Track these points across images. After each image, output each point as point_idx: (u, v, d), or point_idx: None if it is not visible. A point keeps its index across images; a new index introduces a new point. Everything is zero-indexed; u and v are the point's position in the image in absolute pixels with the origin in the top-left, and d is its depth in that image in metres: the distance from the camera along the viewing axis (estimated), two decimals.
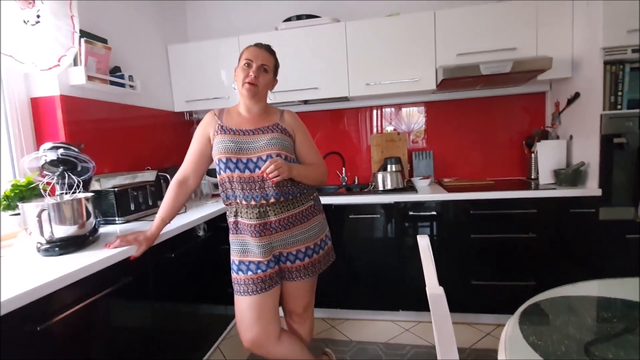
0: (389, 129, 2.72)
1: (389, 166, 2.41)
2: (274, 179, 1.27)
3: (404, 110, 2.69)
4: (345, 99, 2.51)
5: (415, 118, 2.69)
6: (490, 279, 2.09)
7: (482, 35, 2.17)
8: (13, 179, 1.55)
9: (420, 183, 2.37)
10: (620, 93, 1.88)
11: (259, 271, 1.36)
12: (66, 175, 1.40)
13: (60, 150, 1.39)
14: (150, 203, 1.90)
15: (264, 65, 1.37)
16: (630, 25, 1.79)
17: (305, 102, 2.62)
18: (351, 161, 2.78)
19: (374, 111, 2.73)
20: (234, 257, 1.42)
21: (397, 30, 2.25)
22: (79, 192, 1.42)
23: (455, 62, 2.18)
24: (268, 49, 1.42)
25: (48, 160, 1.39)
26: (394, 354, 1.94)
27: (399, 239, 2.16)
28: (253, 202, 1.35)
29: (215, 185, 2.56)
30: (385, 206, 2.15)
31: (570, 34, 2.09)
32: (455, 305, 2.16)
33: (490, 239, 2.06)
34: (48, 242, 1.24)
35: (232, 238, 1.43)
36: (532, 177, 2.38)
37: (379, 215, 2.17)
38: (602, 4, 1.82)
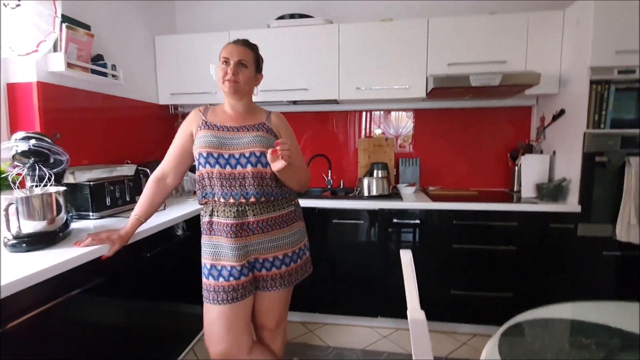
0: (377, 132, 2.71)
1: (375, 172, 2.40)
2: (284, 155, 1.20)
3: (392, 114, 2.69)
4: (334, 101, 2.49)
5: (403, 122, 2.69)
6: (470, 289, 2.11)
7: (473, 46, 2.17)
8: None
9: (406, 190, 2.37)
10: (604, 112, 1.92)
11: (231, 279, 1.29)
12: (37, 167, 1.33)
13: (32, 141, 1.32)
14: (128, 199, 1.84)
15: (242, 61, 1.32)
16: (618, 46, 1.83)
17: (294, 102, 2.58)
18: (338, 164, 2.76)
19: (363, 114, 2.72)
20: (205, 260, 1.35)
21: (390, 35, 2.24)
22: (51, 185, 1.35)
23: (446, 71, 2.18)
24: (246, 44, 1.37)
25: (19, 150, 1.31)
26: None
27: (382, 246, 2.16)
28: (232, 200, 1.30)
29: None
30: (370, 212, 2.14)
31: (559, 50, 2.11)
32: (434, 314, 2.18)
33: (472, 249, 2.07)
34: (15, 237, 1.18)
35: (205, 240, 1.36)
36: (515, 189, 2.41)
37: (362, 221, 2.16)
38: (593, 23, 1.84)
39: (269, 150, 1.23)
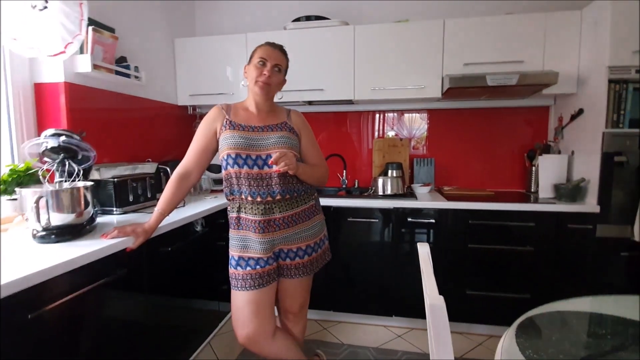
0: (391, 134, 2.72)
1: (389, 171, 2.41)
2: (280, 169, 1.27)
3: (406, 116, 2.69)
4: (349, 101, 2.51)
5: (417, 124, 2.69)
6: (485, 289, 2.09)
7: (490, 46, 2.17)
8: (11, 164, 1.54)
9: (420, 190, 2.37)
10: (622, 112, 1.89)
11: (257, 267, 1.36)
12: (66, 162, 1.39)
13: (62, 138, 1.37)
14: (149, 195, 1.89)
15: (278, 65, 1.38)
16: (636, 46, 1.81)
17: (310, 102, 2.61)
18: (352, 164, 2.78)
19: (377, 115, 2.73)
20: (234, 253, 1.41)
21: (406, 36, 2.26)
22: (79, 180, 1.40)
23: (462, 71, 2.18)
24: (281, 50, 1.43)
25: (49, 146, 1.37)
26: (385, 359, 1.93)
27: (396, 245, 2.16)
28: (259, 199, 1.35)
29: (215, 181, 2.55)
30: (384, 211, 2.15)
31: (577, 50, 2.09)
32: (449, 313, 2.16)
33: (488, 249, 2.06)
34: (44, 229, 1.23)
35: (233, 233, 1.42)
36: (532, 190, 2.38)
37: (377, 220, 2.17)
38: (610, 23, 1.83)
39: (270, 161, 1.30)
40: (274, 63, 1.37)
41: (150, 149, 2.34)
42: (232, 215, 1.41)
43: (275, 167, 1.29)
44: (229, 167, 1.36)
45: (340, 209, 2.19)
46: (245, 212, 1.37)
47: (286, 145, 1.36)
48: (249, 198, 1.35)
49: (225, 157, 1.36)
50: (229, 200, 1.42)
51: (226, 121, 1.39)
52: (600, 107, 1.91)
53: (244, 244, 1.38)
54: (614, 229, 1.93)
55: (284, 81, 1.48)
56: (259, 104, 1.42)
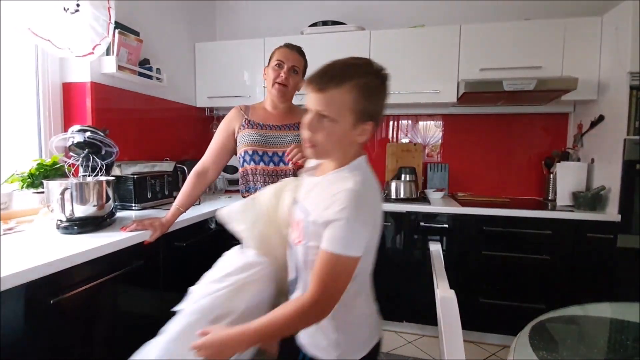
0: (405, 141, 2.72)
1: (402, 175, 2.41)
2: (298, 162, 1.27)
3: (420, 123, 2.69)
4: None
5: (432, 132, 2.68)
6: (499, 298, 2.05)
7: (507, 51, 2.16)
8: (38, 158, 1.62)
9: (434, 195, 2.36)
10: None
11: None
12: (91, 157, 1.45)
13: (88, 133, 1.44)
14: (167, 193, 1.94)
15: (295, 67, 1.40)
16: None
17: None
18: None
19: (391, 121, 2.74)
20: None
21: (421, 41, 2.27)
22: (101, 175, 1.46)
23: (478, 76, 2.18)
24: (299, 51, 1.45)
25: (75, 141, 1.44)
26: None
27: (408, 250, 2.15)
28: None
29: (230, 182, 2.59)
30: (397, 215, 2.14)
31: (597, 56, 2.06)
32: (462, 321, 2.13)
33: (502, 257, 2.02)
34: (68, 220, 1.28)
35: None
36: (550, 198, 2.34)
37: (389, 224, 2.16)
38: (631, 29, 1.80)
39: (286, 156, 1.31)
40: (291, 65, 1.39)
41: (168, 148, 2.40)
42: None
43: (290, 164, 1.31)
44: (245, 163, 1.39)
45: None
46: None
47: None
48: None
49: (243, 154, 1.39)
50: (244, 197, 1.44)
51: (245, 120, 1.43)
52: (622, 113, 1.87)
53: None
54: (636, 239, 1.87)
55: (303, 81, 1.49)
56: (276, 105, 1.45)
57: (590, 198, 1.99)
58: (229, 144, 1.46)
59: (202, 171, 1.47)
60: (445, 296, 0.64)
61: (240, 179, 1.45)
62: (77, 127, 1.48)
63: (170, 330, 0.92)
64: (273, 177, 1.37)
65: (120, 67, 1.85)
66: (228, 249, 1.39)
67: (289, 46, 1.44)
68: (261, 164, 1.37)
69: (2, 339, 0.89)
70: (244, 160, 1.39)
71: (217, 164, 1.48)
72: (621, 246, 1.89)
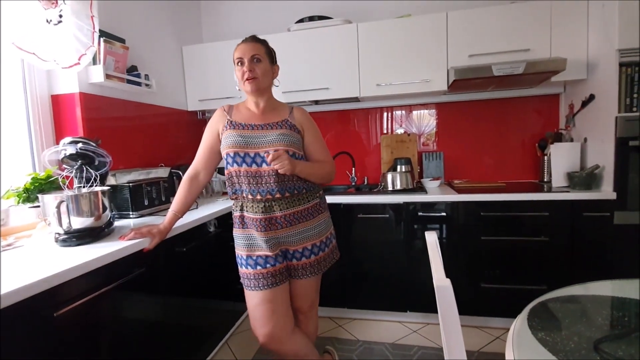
0: (400, 131, 2.72)
1: (398, 167, 2.41)
2: (276, 167, 1.28)
3: (414, 112, 2.69)
4: (355, 99, 2.52)
5: (426, 121, 2.68)
6: (500, 282, 2.07)
7: (494, 36, 2.16)
8: (32, 172, 1.61)
9: (430, 184, 2.37)
10: (635, 95, 1.85)
11: (268, 266, 1.36)
12: (84, 169, 1.45)
13: (79, 145, 1.43)
14: (163, 199, 1.94)
15: (255, 55, 1.36)
16: None
17: (316, 102, 2.64)
18: (361, 161, 2.79)
19: (384, 112, 2.74)
20: (241, 252, 1.42)
21: (409, 31, 2.26)
22: (96, 185, 1.46)
23: (467, 63, 2.18)
24: (254, 39, 1.41)
25: (67, 154, 1.43)
26: (400, 354, 1.93)
27: (408, 240, 2.16)
28: (259, 197, 1.36)
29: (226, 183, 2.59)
30: (394, 206, 2.15)
31: (585, 35, 2.06)
32: (464, 307, 2.14)
33: (501, 241, 2.04)
34: (66, 232, 1.28)
35: (238, 232, 1.43)
36: (545, 179, 2.35)
37: (387, 216, 2.17)
38: (618, 5, 1.80)
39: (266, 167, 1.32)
40: (250, 55, 1.36)
41: (162, 154, 2.40)
42: (236, 214, 1.42)
43: (271, 165, 1.30)
44: (229, 166, 1.38)
45: (350, 206, 2.20)
46: (247, 211, 1.38)
47: (285, 142, 1.35)
48: (250, 196, 1.37)
49: (226, 157, 1.38)
50: (232, 199, 1.44)
51: (228, 122, 1.41)
52: (612, 91, 1.88)
53: (250, 242, 1.39)
54: (633, 216, 1.89)
55: (275, 67, 1.46)
56: (256, 102, 1.44)
57: (585, 177, 2.00)
58: (217, 146, 1.45)
59: (193, 175, 1.47)
60: (440, 285, 0.64)
61: (226, 182, 1.43)
62: (68, 139, 1.47)
63: None
64: (257, 178, 1.35)
65: (108, 76, 1.85)
66: (229, 250, 1.40)
67: (244, 40, 1.41)
68: (244, 165, 1.35)
69: (6, 355, 0.89)
70: (227, 163, 1.38)
71: (208, 167, 1.48)
72: (618, 223, 1.90)
